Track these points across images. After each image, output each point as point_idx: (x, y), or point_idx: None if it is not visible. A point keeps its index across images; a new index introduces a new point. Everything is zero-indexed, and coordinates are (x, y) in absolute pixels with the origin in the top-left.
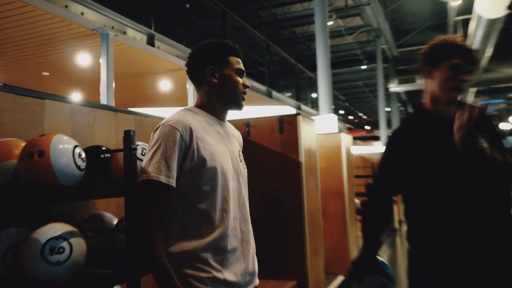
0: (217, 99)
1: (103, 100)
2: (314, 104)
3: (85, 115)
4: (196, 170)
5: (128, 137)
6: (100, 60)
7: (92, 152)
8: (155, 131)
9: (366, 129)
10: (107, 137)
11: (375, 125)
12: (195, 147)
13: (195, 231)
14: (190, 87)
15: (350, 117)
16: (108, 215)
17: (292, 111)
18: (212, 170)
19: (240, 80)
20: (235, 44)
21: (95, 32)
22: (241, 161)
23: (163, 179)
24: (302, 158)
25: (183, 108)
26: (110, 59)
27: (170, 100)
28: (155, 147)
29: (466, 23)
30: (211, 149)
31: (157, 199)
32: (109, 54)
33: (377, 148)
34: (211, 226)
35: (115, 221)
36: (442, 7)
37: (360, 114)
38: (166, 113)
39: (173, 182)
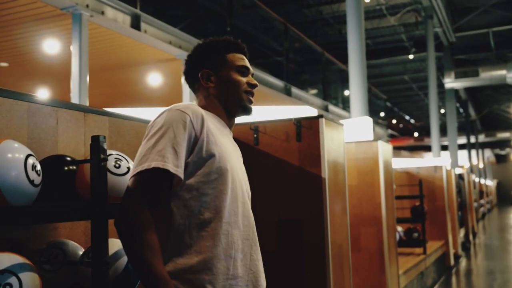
0: (217, 105)
1: (74, 99)
2: (347, 104)
3: (45, 117)
4: (202, 168)
5: (97, 143)
6: (71, 48)
7: (52, 163)
8: (157, 117)
9: (415, 137)
10: (73, 144)
11: (426, 131)
12: (205, 138)
13: (194, 245)
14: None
15: (394, 121)
16: (72, 244)
17: (314, 112)
18: (221, 171)
19: (244, 78)
20: (237, 39)
21: (65, 12)
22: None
23: (170, 167)
24: (326, 173)
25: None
26: (84, 46)
27: (160, 99)
28: (159, 134)
29: None
30: (222, 147)
31: (159, 190)
32: (82, 40)
33: (427, 161)
34: (213, 240)
35: (80, 252)
36: None
37: (407, 118)
38: (154, 114)
39: (181, 172)
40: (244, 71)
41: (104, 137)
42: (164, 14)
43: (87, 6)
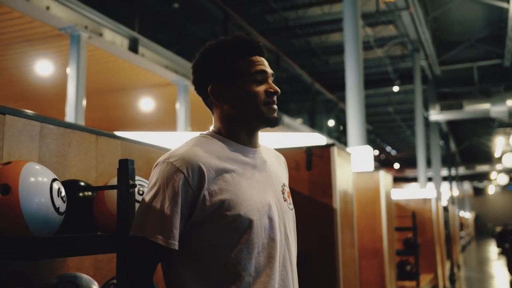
0: (235, 123)
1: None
2: (332, 134)
3: (58, 139)
4: (211, 222)
5: (125, 169)
6: (68, 69)
7: (71, 189)
8: (154, 168)
9: (395, 168)
10: (85, 168)
11: (406, 163)
12: (207, 191)
13: None
14: (181, 108)
15: (376, 152)
16: (86, 278)
17: (321, 140)
18: (236, 221)
19: (261, 88)
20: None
21: (63, 33)
22: (285, 200)
23: (160, 240)
24: (337, 203)
25: (197, 135)
26: (82, 68)
27: (156, 124)
28: (151, 193)
29: None
30: (234, 191)
31: (154, 264)
32: (80, 61)
33: (417, 193)
34: None
35: (94, 286)
36: (500, 15)
37: (388, 149)
38: (158, 139)
39: (173, 243)
40: (260, 78)
41: (133, 162)
42: (155, 38)
43: (86, 27)
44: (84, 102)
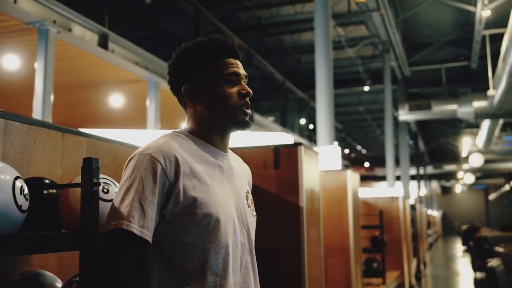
0: (207, 124)
1: (37, 118)
2: (303, 132)
3: (23, 136)
4: (182, 218)
5: (89, 167)
6: (36, 64)
7: (35, 186)
8: (129, 161)
9: (365, 167)
10: (51, 165)
11: (376, 162)
12: (182, 185)
13: None
14: (151, 105)
15: (346, 151)
16: (49, 275)
17: (289, 139)
18: (205, 220)
19: (234, 89)
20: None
21: (31, 27)
22: (249, 207)
23: (135, 228)
24: (304, 202)
25: (170, 132)
26: (49, 63)
27: (125, 121)
28: (127, 184)
29: (496, 38)
30: (205, 189)
31: (133, 258)
32: (48, 56)
33: (385, 191)
34: None
35: (58, 283)
36: (467, 19)
37: (359, 148)
38: (127, 136)
39: (147, 234)
40: (233, 79)
41: (97, 160)
42: (126, 34)
43: (55, 22)
44: (52, 98)
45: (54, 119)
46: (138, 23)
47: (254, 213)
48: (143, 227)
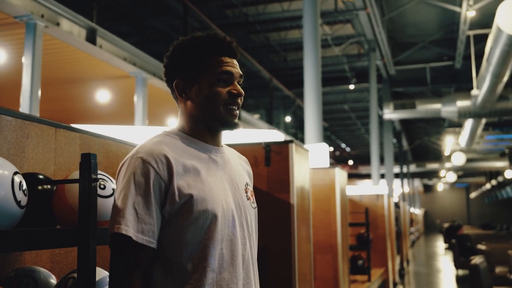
0: (196, 121)
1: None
2: (289, 130)
3: (16, 131)
4: (179, 218)
5: (88, 163)
6: (23, 59)
7: (31, 182)
8: (122, 166)
9: (349, 165)
10: (44, 161)
11: (360, 160)
12: (176, 185)
13: None
14: (138, 101)
15: (331, 149)
16: (44, 272)
17: (282, 136)
18: (203, 217)
19: (224, 89)
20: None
21: (19, 21)
22: (248, 199)
23: (131, 233)
24: (294, 199)
25: (161, 132)
26: (37, 57)
27: (113, 116)
28: (123, 190)
29: (480, 38)
30: (200, 186)
31: (134, 259)
32: (35, 51)
33: (370, 189)
34: None
35: (52, 280)
36: (452, 19)
37: (343, 146)
38: (117, 132)
39: (143, 238)
40: (226, 78)
41: (95, 156)
42: (112, 30)
43: (42, 16)
44: (39, 93)
45: (42, 114)
46: (123, 19)
47: (255, 205)
48: (138, 231)
